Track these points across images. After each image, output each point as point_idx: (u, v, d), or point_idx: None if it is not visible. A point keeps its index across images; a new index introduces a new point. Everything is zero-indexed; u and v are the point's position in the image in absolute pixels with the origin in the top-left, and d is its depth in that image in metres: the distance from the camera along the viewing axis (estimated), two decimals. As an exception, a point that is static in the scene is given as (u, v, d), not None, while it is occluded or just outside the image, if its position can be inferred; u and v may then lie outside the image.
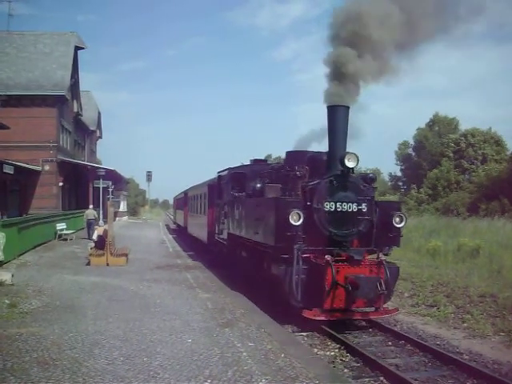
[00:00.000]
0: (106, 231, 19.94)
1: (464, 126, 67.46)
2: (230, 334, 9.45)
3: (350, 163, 11.25)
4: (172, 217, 57.61)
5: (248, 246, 14.39)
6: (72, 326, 9.72)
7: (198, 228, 26.58)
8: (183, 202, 36.69)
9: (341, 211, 11.50)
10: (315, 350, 9.85)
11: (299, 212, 10.91)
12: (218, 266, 19.02)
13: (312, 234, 11.38)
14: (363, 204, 11.65)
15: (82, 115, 46.18)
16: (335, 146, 11.80)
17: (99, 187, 36.82)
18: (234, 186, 16.82)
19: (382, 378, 8.28)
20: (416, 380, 8.09)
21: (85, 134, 51.51)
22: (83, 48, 41.16)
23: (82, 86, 46.56)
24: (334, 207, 11.47)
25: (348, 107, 11.77)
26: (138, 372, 7.22)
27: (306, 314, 10.57)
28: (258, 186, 14.45)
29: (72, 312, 10.93)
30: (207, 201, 23.11)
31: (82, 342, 8.63)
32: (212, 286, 15.01)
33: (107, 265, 18.53)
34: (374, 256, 11.93)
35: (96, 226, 25.71)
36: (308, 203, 11.51)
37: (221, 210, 18.59)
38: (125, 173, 57.81)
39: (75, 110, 43.15)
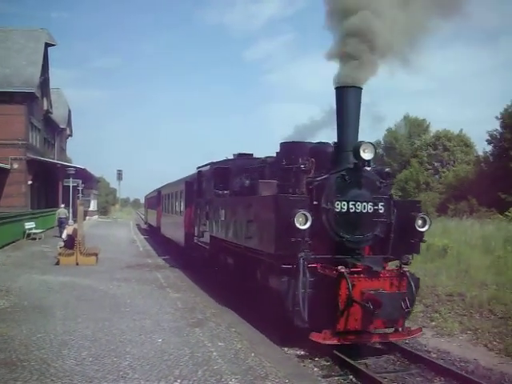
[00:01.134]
0: (75, 230, 19.75)
1: (435, 128, 68.54)
2: (201, 333, 9.44)
3: (366, 155, 9.49)
4: (143, 216, 56.98)
5: (236, 253, 12.47)
6: (40, 326, 9.61)
7: (173, 229, 24.29)
8: (156, 200, 34.76)
9: (354, 212, 9.72)
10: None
11: (306, 213, 9.08)
12: (197, 272, 17.52)
13: (319, 240, 9.58)
14: (380, 204, 9.95)
15: (51, 113, 45.59)
16: (346, 135, 10.06)
17: (69, 186, 36.43)
18: (218, 183, 15.14)
19: (351, 377, 8.34)
20: (385, 378, 8.17)
21: (55, 131, 50.86)
22: (54, 45, 40.62)
23: (53, 84, 46.07)
24: (346, 207, 9.68)
25: (361, 88, 10.03)
26: (107, 372, 7.17)
27: (315, 337, 8.79)
28: (248, 182, 13.16)
29: (40, 312, 10.80)
30: (184, 199, 21.00)
31: (51, 343, 8.54)
32: (182, 285, 14.98)
33: (77, 264, 18.34)
34: (389, 265, 10.50)
35: (66, 225, 25.47)
36: (315, 202, 9.68)
37: (201, 209, 16.60)
38: (95, 171, 57.45)
39: (45, 107, 42.60)
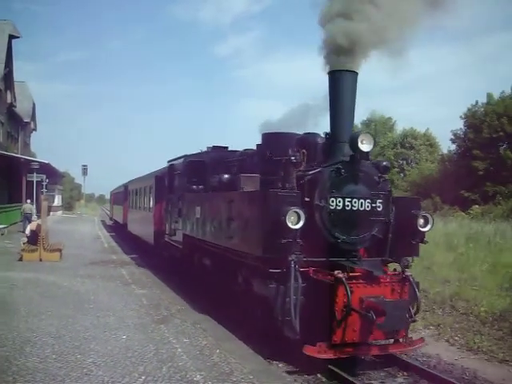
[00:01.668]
0: (39, 226, 19.47)
1: (401, 126, 69.45)
2: (166, 330, 9.43)
3: (364, 146, 8.59)
4: (108, 212, 56.36)
5: (213, 253, 11.49)
6: (2, 323, 9.46)
7: (142, 226, 23.17)
8: (122, 196, 33.28)
9: (350, 210, 8.79)
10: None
11: (299, 211, 8.10)
12: (167, 273, 16.49)
13: (310, 240, 8.52)
14: (378, 201, 9.02)
15: (15, 106, 44.85)
16: (340, 124, 9.16)
17: (33, 181, 35.87)
18: (191, 178, 14.10)
19: (318, 375, 8.35)
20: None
21: (18, 125, 50.05)
22: (18, 37, 40.01)
23: (17, 77, 45.29)
24: (341, 204, 8.73)
25: (356, 73, 9.17)
26: (70, 370, 7.10)
27: (309, 350, 7.87)
28: (226, 176, 12.05)
29: (3, 309, 10.65)
30: (154, 195, 19.78)
31: (13, 340, 8.41)
32: (148, 281, 14.92)
33: (40, 260, 18.10)
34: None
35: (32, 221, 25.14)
36: (306, 199, 8.68)
37: (173, 206, 15.62)
38: (60, 166, 56.67)
39: (8, 100, 41.87)
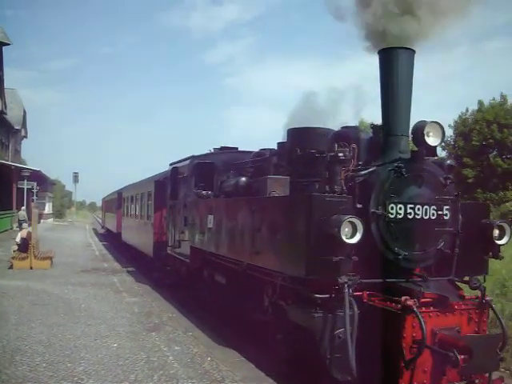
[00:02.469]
0: (29, 234, 19.39)
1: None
2: (157, 338, 9.39)
3: (431, 139, 7.06)
4: (100, 220, 55.93)
5: (230, 270, 9.87)
6: (-8, 332, 9.42)
7: (139, 236, 21.30)
8: (116, 203, 31.44)
9: (413, 219, 7.13)
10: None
11: (355, 220, 6.51)
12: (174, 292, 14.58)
13: (363, 257, 6.72)
14: (445, 207, 7.37)
15: (6, 113, 44.67)
16: (396, 113, 7.60)
17: (23, 188, 35.78)
18: (199, 181, 12.51)
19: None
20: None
21: (9, 133, 49.86)
22: (8, 44, 39.85)
23: (8, 84, 45.17)
24: (402, 212, 7.08)
25: (414, 51, 7.61)
26: (61, 378, 7.08)
27: None
28: (244, 179, 10.38)
29: (-7, 317, 10.58)
30: (153, 202, 17.98)
31: (3, 349, 8.36)
32: (139, 289, 14.85)
33: (31, 268, 17.96)
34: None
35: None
36: (358, 205, 7.02)
37: (177, 214, 13.95)
38: (51, 174, 56.59)
39: (-1, 108, 41.77)
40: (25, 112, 57.78)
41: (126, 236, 26.08)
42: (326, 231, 6.52)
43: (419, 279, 7.11)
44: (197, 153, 13.68)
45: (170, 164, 15.57)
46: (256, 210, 8.43)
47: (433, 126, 7.08)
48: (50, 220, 60.35)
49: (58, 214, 74.87)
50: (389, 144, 7.61)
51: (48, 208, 61.66)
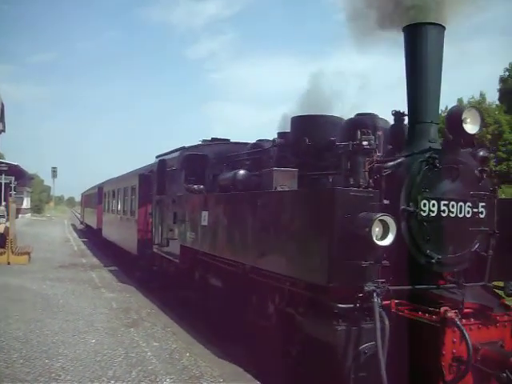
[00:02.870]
0: (7, 229, 19.24)
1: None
2: (135, 333, 9.38)
3: (469, 126, 6.33)
4: (79, 215, 55.32)
5: (228, 272, 8.94)
6: (-31, 328, 9.32)
7: (121, 233, 20.22)
8: (96, 198, 30.15)
9: (447, 217, 6.30)
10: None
11: (389, 219, 5.67)
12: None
13: (391, 261, 5.98)
14: (480, 204, 6.56)
15: (-18, 107, 44.20)
16: (424, 98, 6.77)
17: (1, 183, 35.43)
18: (190, 175, 11.60)
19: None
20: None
21: (-14, 126, 49.27)
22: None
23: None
24: (435, 209, 6.23)
25: (444, 27, 6.76)
26: (38, 375, 7.03)
27: None
28: (242, 172, 9.31)
29: (-31, 313, 10.48)
30: (137, 197, 17.02)
31: (-21, 345, 8.30)
32: (117, 285, 14.81)
33: (8, 263, 17.80)
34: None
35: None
36: (385, 201, 6.14)
37: (164, 210, 13.00)
38: (29, 168, 55.96)
39: (-24, 101, 41.28)
40: (3, 105, 56.97)
41: (106, 232, 25.25)
42: (352, 231, 5.62)
43: (451, 285, 6.27)
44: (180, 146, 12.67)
45: (157, 156, 14.61)
46: (264, 207, 7.50)
47: (471, 111, 6.44)
48: (28, 215, 59.85)
49: (37, 208, 74.17)
50: (416, 132, 6.82)
51: (26, 203, 61.04)
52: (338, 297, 5.78)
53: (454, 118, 6.38)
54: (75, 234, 37.24)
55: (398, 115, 7.16)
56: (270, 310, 7.70)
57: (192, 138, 15.47)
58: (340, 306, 5.72)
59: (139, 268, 16.56)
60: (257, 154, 10.01)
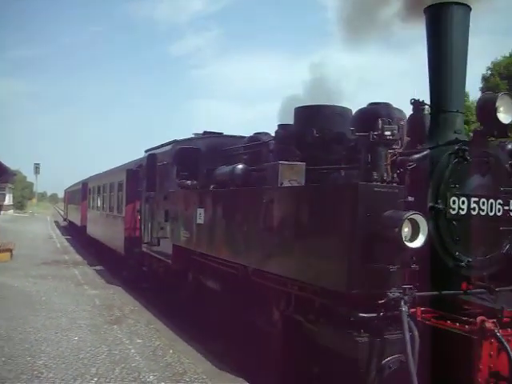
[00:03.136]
0: (-12, 225, 19.11)
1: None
2: (119, 330, 9.35)
3: (502, 116, 5.69)
4: (63, 212, 54.77)
5: (226, 274, 8.29)
6: (-51, 326, 9.25)
7: (107, 230, 19.42)
8: (80, 194, 28.93)
9: (477, 216, 5.74)
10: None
11: (420, 218, 5.02)
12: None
13: (420, 265, 5.28)
14: (511, 202, 6.01)
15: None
16: (449, 85, 6.19)
17: (-18, 179, 35.13)
18: (182, 170, 11.00)
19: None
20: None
21: (-33, 122, 48.88)
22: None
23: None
24: (465, 207, 5.68)
25: (470, 8, 6.21)
26: (20, 372, 6.99)
27: None
28: (241, 167, 8.68)
29: (-50, 311, 10.39)
30: (125, 193, 16.22)
31: (-40, 343, 8.23)
32: (100, 282, 14.76)
33: (-10, 261, 17.69)
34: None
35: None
36: (409, 198, 5.28)
37: (155, 207, 12.20)
38: (12, 164, 55.55)
39: (-43, 96, 40.87)
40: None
41: (91, 230, 24.25)
42: (377, 232, 5.00)
43: (480, 290, 5.71)
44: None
45: (146, 151, 13.81)
46: (271, 204, 6.72)
47: (505, 99, 5.75)
48: (11, 211, 59.44)
49: (19, 205, 73.75)
50: (441, 122, 6.24)
51: (8, 199, 60.68)
52: (355, 304, 5.12)
53: (487, 106, 5.78)
54: (58, 231, 37.02)
55: (416, 104, 6.37)
56: (274, 316, 7.06)
57: (173, 136, 14.26)
58: (362, 315, 5.05)
59: (126, 267, 16.01)
60: (255, 147, 9.33)
